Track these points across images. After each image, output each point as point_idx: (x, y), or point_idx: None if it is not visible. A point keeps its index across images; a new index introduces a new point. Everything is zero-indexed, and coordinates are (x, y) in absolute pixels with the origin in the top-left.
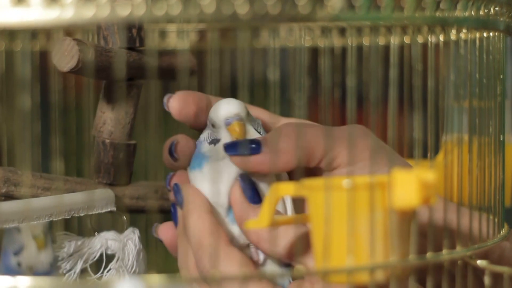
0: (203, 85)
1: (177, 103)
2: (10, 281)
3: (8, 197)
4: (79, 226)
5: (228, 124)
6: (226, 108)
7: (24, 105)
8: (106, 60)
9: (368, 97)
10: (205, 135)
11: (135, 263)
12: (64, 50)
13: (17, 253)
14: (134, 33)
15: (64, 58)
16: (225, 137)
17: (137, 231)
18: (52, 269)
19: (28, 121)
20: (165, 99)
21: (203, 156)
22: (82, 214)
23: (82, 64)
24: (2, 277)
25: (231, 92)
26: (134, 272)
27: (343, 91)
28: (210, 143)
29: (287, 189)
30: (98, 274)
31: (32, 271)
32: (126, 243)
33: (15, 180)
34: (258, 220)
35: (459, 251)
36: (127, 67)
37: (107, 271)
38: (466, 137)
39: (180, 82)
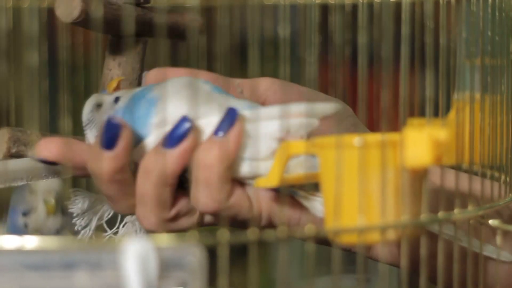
0: (212, 44)
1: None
2: (18, 240)
3: (18, 157)
4: (87, 184)
5: None
6: None
7: (31, 63)
8: (111, 13)
9: (379, 55)
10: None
11: None
12: (67, 1)
13: (25, 213)
14: None
15: (67, 9)
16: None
17: None
18: (62, 229)
19: (35, 79)
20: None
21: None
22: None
23: (85, 16)
24: (10, 236)
25: (241, 50)
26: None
27: (353, 49)
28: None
29: (297, 147)
30: (113, 230)
31: (39, 234)
32: None
33: (24, 140)
34: (268, 178)
35: (471, 210)
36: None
37: (123, 226)
38: (478, 96)
39: (189, 41)
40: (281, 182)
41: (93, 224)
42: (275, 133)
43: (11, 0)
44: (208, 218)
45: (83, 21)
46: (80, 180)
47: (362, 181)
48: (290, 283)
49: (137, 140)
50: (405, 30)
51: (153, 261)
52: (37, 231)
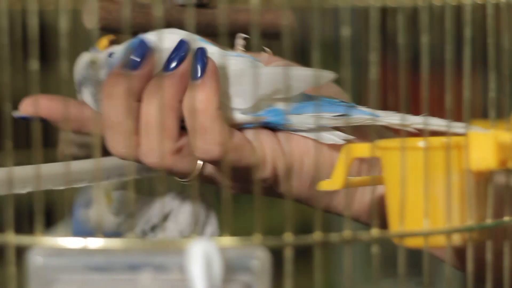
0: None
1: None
2: (82, 241)
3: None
4: (149, 186)
5: None
6: None
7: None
8: (141, 17)
9: (440, 58)
10: None
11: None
12: (90, 7)
13: (86, 206)
14: None
15: (89, 15)
16: None
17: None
18: (119, 229)
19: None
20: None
21: None
22: (152, 175)
23: (105, 21)
24: (74, 237)
25: (302, 53)
26: (206, 232)
27: (414, 52)
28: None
29: (361, 150)
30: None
31: (100, 228)
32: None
33: (78, 141)
34: (332, 181)
35: None
36: (177, 23)
37: (161, 231)
38: None
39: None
40: (345, 184)
41: (139, 228)
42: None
43: (70, 2)
44: (209, 169)
45: (105, 27)
46: (142, 182)
47: (426, 184)
48: (355, 286)
49: None
50: (468, 32)
51: (218, 263)
52: (99, 225)
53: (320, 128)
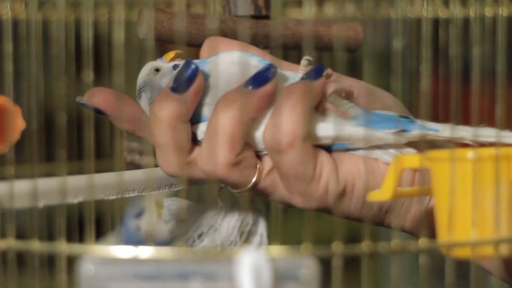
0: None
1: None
2: (132, 250)
3: (133, 165)
4: (198, 195)
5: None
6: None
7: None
8: (194, 27)
9: (492, 69)
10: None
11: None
12: (143, 18)
13: (137, 216)
14: (250, 1)
15: (142, 26)
16: None
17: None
18: (171, 239)
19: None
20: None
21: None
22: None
23: (159, 32)
24: (124, 246)
25: (353, 64)
26: (257, 242)
27: (464, 63)
28: None
29: (411, 161)
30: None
31: (151, 238)
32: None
33: (139, 149)
34: (381, 192)
35: None
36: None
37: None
38: None
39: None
40: (394, 195)
41: (203, 238)
42: None
43: (124, 13)
44: (264, 184)
45: (158, 37)
46: (192, 192)
47: (475, 194)
48: None
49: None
50: None
51: (267, 272)
52: (150, 235)
53: (374, 146)
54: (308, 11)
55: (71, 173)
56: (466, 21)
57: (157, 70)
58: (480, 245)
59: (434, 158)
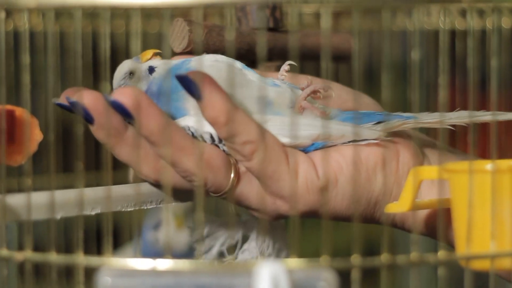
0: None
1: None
2: (150, 262)
3: None
4: (216, 207)
5: None
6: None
7: None
8: (222, 40)
9: (509, 80)
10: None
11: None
12: (177, 31)
13: (155, 227)
14: (268, 13)
15: (177, 39)
16: None
17: None
18: (190, 251)
19: None
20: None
21: None
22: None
23: (194, 45)
24: (142, 259)
25: (370, 76)
26: (275, 254)
27: (481, 74)
28: None
29: (429, 173)
30: (233, 255)
31: (170, 250)
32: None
33: None
34: (399, 203)
35: None
36: (249, 47)
37: (242, 252)
38: None
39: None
40: (413, 207)
41: (215, 249)
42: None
43: (141, 24)
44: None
45: (192, 50)
46: (210, 202)
47: (494, 206)
48: None
49: (173, 113)
50: None
51: (285, 285)
52: (168, 246)
53: (358, 131)
54: (325, 23)
55: (88, 184)
56: (483, 33)
57: (132, 73)
58: (499, 257)
59: (452, 169)
